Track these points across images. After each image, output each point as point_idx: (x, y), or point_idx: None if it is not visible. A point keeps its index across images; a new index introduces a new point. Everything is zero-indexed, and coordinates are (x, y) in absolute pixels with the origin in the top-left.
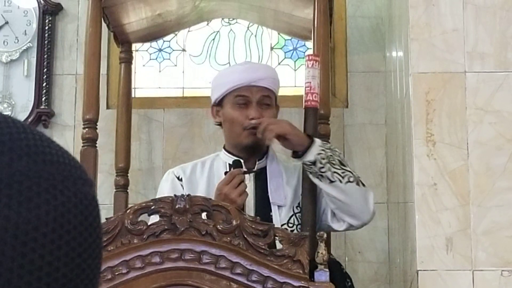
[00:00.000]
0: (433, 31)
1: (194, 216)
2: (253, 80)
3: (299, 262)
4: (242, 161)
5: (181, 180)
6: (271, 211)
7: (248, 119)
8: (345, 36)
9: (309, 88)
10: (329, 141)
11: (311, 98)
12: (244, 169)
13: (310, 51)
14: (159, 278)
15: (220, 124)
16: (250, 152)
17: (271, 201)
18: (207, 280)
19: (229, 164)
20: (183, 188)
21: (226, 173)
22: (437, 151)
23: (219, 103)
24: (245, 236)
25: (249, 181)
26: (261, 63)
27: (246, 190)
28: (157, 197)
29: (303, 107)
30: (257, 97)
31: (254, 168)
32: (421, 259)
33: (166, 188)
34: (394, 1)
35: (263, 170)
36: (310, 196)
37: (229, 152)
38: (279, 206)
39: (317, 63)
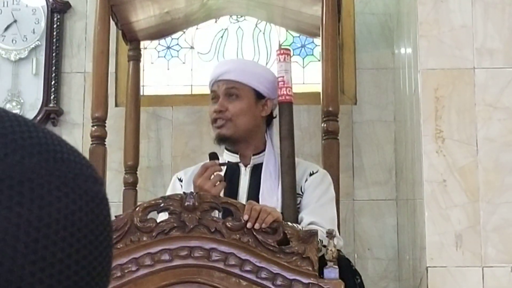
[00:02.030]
0: (442, 27)
1: (203, 214)
2: (219, 74)
3: (309, 259)
4: (217, 153)
5: (181, 181)
6: None
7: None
8: (353, 33)
9: (282, 83)
10: (338, 138)
11: (285, 93)
12: (220, 161)
13: (319, 48)
14: (169, 275)
15: None
16: (228, 145)
17: (260, 203)
18: (216, 278)
19: (227, 161)
20: (181, 188)
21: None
22: (446, 148)
23: None
24: (254, 233)
25: (245, 175)
26: (238, 58)
27: (241, 184)
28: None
29: (278, 102)
30: (222, 90)
31: (249, 163)
32: (430, 255)
33: (169, 190)
34: None
35: (259, 166)
36: (290, 191)
37: (226, 149)
38: None
39: (288, 56)
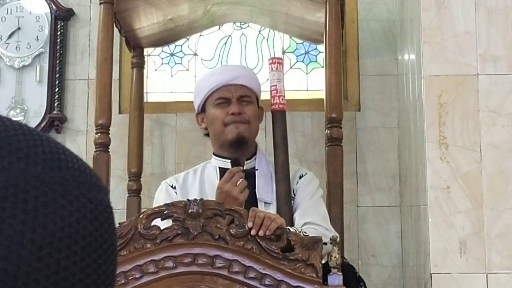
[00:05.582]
0: (445, 33)
1: (207, 221)
2: (230, 79)
3: (312, 266)
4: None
5: (174, 188)
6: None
7: (228, 115)
8: (357, 39)
9: (275, 92)
10: (342, 145)
11: (278, 101)
12: (243, 168)
13: (322, 55)
14: (173, 282)
15: (207, 133)
16: (236, 148)
17: (257, 197)
18: (220, 285)
19: (219, 167)
20: (177, 195)
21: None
22: (450, 154)
23: (202, 109)
24: (258, 240)
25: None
26: (240, 64)
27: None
28: (153, 207)
29: (270, 111)
30: (236, 95)
31: (243, 167)
32: (434, 262)
33: (161, 197)
34: (406, 4)
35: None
36: (285, 199)
37: (218, 156)
38: (265, 203)
39: (280, 65)
